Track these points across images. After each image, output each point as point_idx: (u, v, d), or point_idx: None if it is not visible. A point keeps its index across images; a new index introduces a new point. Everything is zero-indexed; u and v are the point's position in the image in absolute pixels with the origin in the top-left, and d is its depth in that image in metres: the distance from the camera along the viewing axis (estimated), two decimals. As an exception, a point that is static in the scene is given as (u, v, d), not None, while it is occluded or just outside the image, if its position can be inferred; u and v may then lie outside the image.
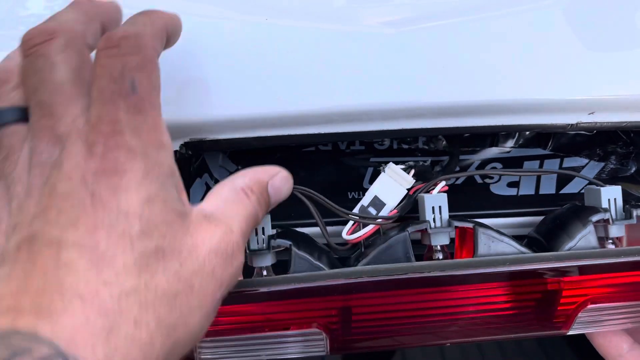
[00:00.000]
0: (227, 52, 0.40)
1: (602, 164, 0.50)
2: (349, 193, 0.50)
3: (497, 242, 0.37)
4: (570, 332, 0.39)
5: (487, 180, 0.50)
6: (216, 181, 0.50)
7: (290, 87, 0.39)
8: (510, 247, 0.37)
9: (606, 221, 0.38)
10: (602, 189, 0.39)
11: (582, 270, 0.35)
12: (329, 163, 0.52)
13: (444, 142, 0.51)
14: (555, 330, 0.39)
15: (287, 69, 0.40)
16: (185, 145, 0.41)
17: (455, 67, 0.40)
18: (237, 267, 0.30)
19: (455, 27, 0.41)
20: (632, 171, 0.49)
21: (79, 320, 0.23)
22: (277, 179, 0.34)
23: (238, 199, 0.32)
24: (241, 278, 0.34)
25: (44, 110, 0.27)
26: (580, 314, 0.37)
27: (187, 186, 0.44)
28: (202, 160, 0.49)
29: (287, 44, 0.40)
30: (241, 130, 0.41)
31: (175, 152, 0.41)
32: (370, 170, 0.51)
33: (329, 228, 0.41)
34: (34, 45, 0.29)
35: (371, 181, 0.50)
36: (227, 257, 0.29)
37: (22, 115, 0.28)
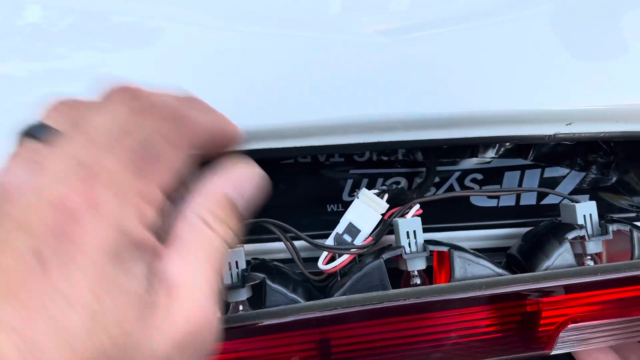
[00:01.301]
0: (204, 65, 0.41)
1: (583, 173, 0.51)
2: (328, 206, 0.50)
3: (473, 264, 0.37)
4: (554, 352, 0.40)
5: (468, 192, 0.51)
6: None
7: (266, 100, 0.40)
8: (487, 269, 0.37)
9: (582, 238, 0.38)
10: (577, 205, 0.39)
11: (560, 290, 0.36)
12: (308, 175, 0.52)
13: (421, 154, 0.52)
14: (539, 351, 0.39)
15: (264, 82, 0.41)
16: None
17: (430, 80, 0.41)
18: (212, 342, 0.26)
19: (432, 39, 0.42)
20: (613, 181, 0.50)
21: None
22: (245, 187, 0.28)
23: (201, 239, 0.26)
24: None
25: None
26: (561, 334, 0.38)
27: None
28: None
29: (265, 58, 0.41)
30: None
31: None
32: (349, 182, 0.52)
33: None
34: None
35: (351, 194, 0.51)
36: (198, 344, 0.25)
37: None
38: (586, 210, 0.40)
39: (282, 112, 0.40)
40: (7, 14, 0.46)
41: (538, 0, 0.45)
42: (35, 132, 0.25)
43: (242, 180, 0.28)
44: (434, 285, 0.36)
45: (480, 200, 0.50)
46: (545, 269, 0.37)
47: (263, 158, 0.42)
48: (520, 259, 0.41)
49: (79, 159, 0.23)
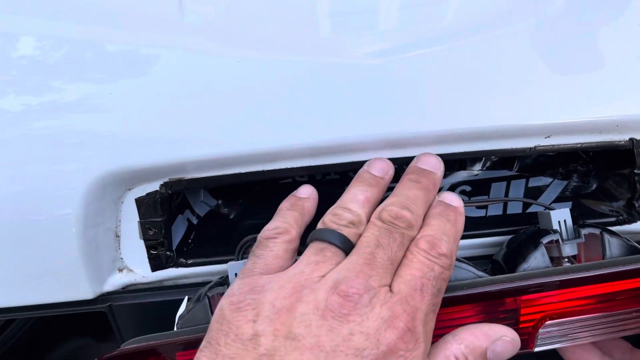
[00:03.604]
0: (203, 90, 0.46)
1: (565, 182, 0.55)
2: None
3: (456, 268, 0.42)
4: (537, 349, 0.44)
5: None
6: (198, 217, 0.55)
7: (264, 125, 0.45)
8: (469, 272, 0.42)
9: (557, 242, 0.43)
10: (551, 212, 0.44)
11: (536, 288, 0.40)
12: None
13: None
14: (522, 349, 0.44)
15: (259, 105, 0.45)
16: (164, 185, 0.47)
17: (417, 99, 0.45)
18: None
19: (419, 59, 0.47)
20: (593, 188, 0.54)
21: None
22: (499, 344, 0.38)
23: None
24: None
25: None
26: (541, 330, 0.42)
27: (169, 222, 0.50)
28: (183, 197, 0.55)
29: (258, 83, 0.46)
30: (217, 168, 0.47)
31: (155, 192, 0.47)
32: None
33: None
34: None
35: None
36: None
37: (346, 247, 0.38)
38: (561, 216, 0.44)
39: (276, 135, 0.45)
40: (2, 46, 0.50)
41: (519, 18, 0.49)
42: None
43: (499, 343, 0.38)
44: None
45: (469, 211, 0.55)
46: (523, 271, 0.42)
47: (261, 179, 0.47)
48: (502, 264, 0.46)
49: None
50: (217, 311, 0.37)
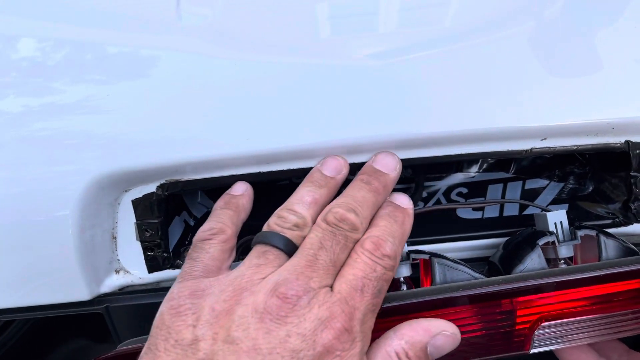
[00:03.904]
0: (200, 91, 0.46)
1: (562, 184, 0.55)
2: None
3: (453, 270, 0.42)
4: (533, 351, 0.44)
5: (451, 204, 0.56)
6: (195, 218, 0.56)
7: (260, 126, 0.45)
8: (465, 274, 0.42)
9: (553, 243, 0.43)
10: (548, 214, 0.44)
11: (530, 290, 0.41)
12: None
13: (410, 171, 0.57)
14: (519, 351, 0.44)
15: (256, 107, 0.45)
16: (161, 186, 0.47)
17: (416, 101, 0.45)
18: None
19: (418, 62, 0.47)
20: (590, 190, 0.54)
21: None
22: (439, 338, 0.38)
23: None
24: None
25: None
26: (537, 332, 0.42)
27: (166, 224, 0.50)
28: (180, 199, 0.55)
29: (257, 82, 0.46)
30: (213, 169, 0.47)
31: (152, 193, 0.47)
32: None
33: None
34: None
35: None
36: None
37: (289, 249, 0.39)
38: (557, 218, 0.45)
39: (273, 137, 0.45)
40: (2, 48, 0.50)
41: (517, 21, 0.49)
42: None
43: (440, 337, 0.38)
44: (414, 289, 0.41)
45: (465, 212, 0.55)
46: (519, 273, 0.42)
47: (258, 181, 0.47)
48: (499, 265, 0.46)
49: None
50: (157, 316, 0.37)
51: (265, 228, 0.41)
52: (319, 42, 0.49)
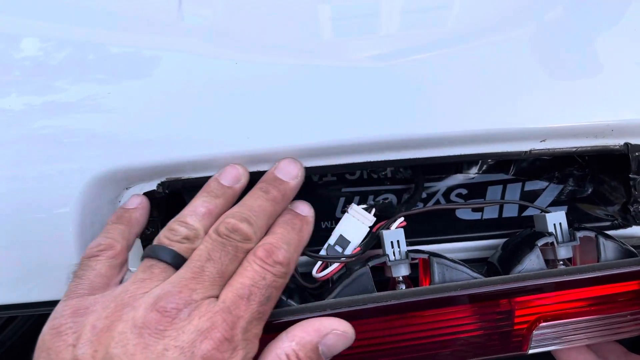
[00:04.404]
0: (201, 91, 0.46)
1: (561, 186, 0.56)
2: (322, 223, 0.56)
3: (451, 269, 0.42)
4: (531, 351, 0.44)
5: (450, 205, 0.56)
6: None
7: (261, 125, 0.45)
8: (464, 274, 0.42)
9: (552, 244, 0.44)
10: (547, 215, 0.45)
11: (528, 290, 0.41)
12: (302, 194, 0.57)
13: (410, 171, 0.57)
14: (516, 351, 0.44)
15: (257, 107, 0.45)
16: (162, 184, 0.47)
17: (417, 102, 0.46)
18: None
19: (419, 63, 0.47)
20: (589, 192, 0.55)
21: None
22: (330, 338, 0.38)
23: None
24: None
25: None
26: (535, 332, 0.43)
27: (163, 221, 0.49)
28: (180, 197, 0.55)
29: (258, 82, 0.46)
30: (214, 168, 0.46)
31: (152, 191, 0.48)
32: (342, 200, 0.57)
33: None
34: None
35: (343, 211, 0.56)
36: None
37: (177, 262, 0.38)
38: (556, 219, 0.45)
39: (273, 136, 0.45)
40: (5, 47, 0.50)
41: (518, 23, 0.50)
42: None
43: (331, 336, 0.38)
44: (413, 288, 0.41)
45: (465, 213, 0.56)
46: (517, 273, 0.43)
47: (259, 179, 0.47)
48: (497, 266, 0.46)
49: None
50: (39, 337, 0.37)
51: (155, 241, 0.40)
52: (320, 43, 0.49)
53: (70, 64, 0.49)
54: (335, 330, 0.38)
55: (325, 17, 0.51)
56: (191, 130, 0.46)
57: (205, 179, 0.47)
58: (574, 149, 0.48)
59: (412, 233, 0.48)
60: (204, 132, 0.46)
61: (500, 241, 0.52)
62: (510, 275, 0.41)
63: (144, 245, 0.49)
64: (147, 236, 0.49)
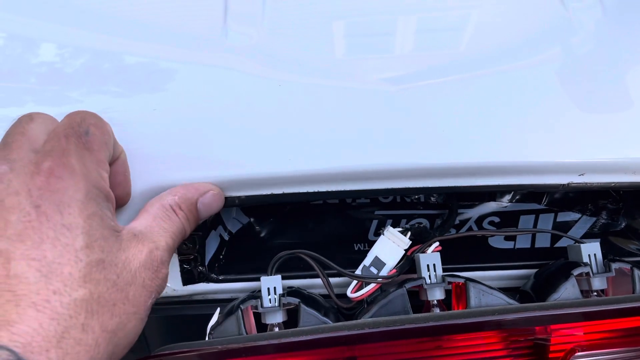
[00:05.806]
0: (213, 111, 0.47)
1: (594, 218, 0.56)
2: (355, 245, 0.57)
3: (487, 295, 0.43)
4: (564, 381, 0.44)
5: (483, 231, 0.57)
6: (230, 233, 0.57)
7: (298, 148, 0.46)
8: (500, 299, 0.43)
9: (587, 274, 0.44)
10: (582, 245, 0.45)
11: (565, 318, 0.41)
12: (336, 216, 0.59)
13: (444, 197, 0.58)
14: (551, 380, 0.44)
15: (295, 130, 0.46)
16: None
17: (448, 130, 0.47)
18: (163, 278, 0.38)
19: (442, 87, 0.48)
20: (622, 226, 0.55)
21: (33, 327, 0.29)
22: (207, 197, 0.42)
23: (166, 216, 0.40)
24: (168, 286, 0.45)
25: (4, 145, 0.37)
26: (570, 362, 0.43)
27: (203, 237, 0.51)
28: (217, 214, 0.56)
29: (301, 105, 0.47)
30: (254, 188, 0.47)
31: None
32: (375, 222, 0.58)
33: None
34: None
35: (376, 233, 0.57)
36: (154, 270, 0.37)
37: None
38: (591, 250, 0.46)
39: (312, 159, 0.46)
40: (22, 51, 0.51)
41: (543, 48, 0.51)
42: None
43: (208, 196, 0.42)
44: (451, 311, 0.42)
45: (497, 242, 0.56)
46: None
47: (295, 200, 0.48)
48: (532, 294, 0.47)
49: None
50: None
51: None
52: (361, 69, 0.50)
53: (115, 75, 0.49)
54: (212, 191, 0.42)
55: (368, 40, 0.53)
56: (233, 150, 0.46)
57: (246, 198, 0.48)
58: (612, 184, 0.48)
59: (444, 260, 0.48)
60: (246, 151, 0.46)
61: (532, 271, 0.52)
62: (547, 302, 0.42)
63: (181, 262, 0.49)
64: (184, 251, 0.50)
